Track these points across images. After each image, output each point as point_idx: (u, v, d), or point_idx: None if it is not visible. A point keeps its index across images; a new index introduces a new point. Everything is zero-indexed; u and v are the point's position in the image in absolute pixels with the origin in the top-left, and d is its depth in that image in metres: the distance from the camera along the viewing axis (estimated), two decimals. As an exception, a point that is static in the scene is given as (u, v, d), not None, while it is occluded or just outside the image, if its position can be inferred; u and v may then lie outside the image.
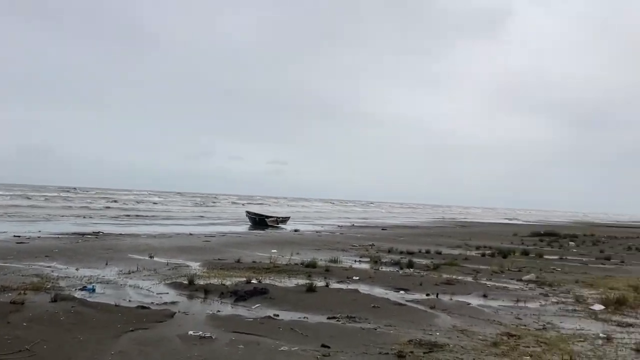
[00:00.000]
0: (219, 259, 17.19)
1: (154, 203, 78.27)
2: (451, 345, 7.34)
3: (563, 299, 11.70)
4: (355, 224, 50.18)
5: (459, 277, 14.47)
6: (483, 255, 21.58)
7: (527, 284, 13.90)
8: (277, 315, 9.18)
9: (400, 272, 15.54)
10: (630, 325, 9.17)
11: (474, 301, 11.17)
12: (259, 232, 33.95)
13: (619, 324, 9.18)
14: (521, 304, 10.96)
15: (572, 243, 31.87)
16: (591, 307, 10.63)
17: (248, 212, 47.83)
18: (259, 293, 11.09)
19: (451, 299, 11.25)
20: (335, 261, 17.21)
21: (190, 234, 28.89)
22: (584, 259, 21.90)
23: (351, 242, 26.67)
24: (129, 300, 10.02)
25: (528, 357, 6.84)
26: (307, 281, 12.62)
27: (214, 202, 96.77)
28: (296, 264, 16.20)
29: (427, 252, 21.73)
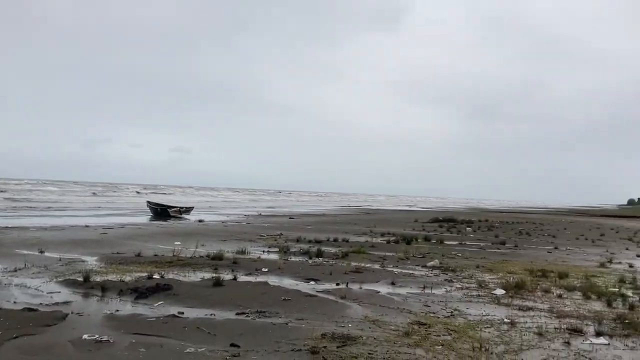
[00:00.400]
0: (117, 253, 16.14)
1: (49, 193, 73.25)
2: (364, 338, 7.20)
3: (467, 285, 12.05)
4: (262, 213, 49.73)
5: (367, 265, 14.56)
6: (388, 242, 22.01)
7: (431, 270, 14.24)
8: (182, 313, 8.62)
9: (310, 261, 15.38)
10: (530, 309, 9.55)
11: (383, 289, 11.20)
12: (161, 223, 32.57)
13: (520, 308, 9.53)
14: (428, 291, 11.13)
15: (469, 228, 33.50)
16: (493, 292, 11.01)
17: (149, 202, 45.88)
18: (161, 289, 10.43)
19: (361, 288, 11.21)
20: (242, 252, 16.74)
21: (87, 226, 27.12)
22: (481, 244, 22.99)
23: (259, 232, 26.24)
24: (14, 302, 9.00)
25: (440, 347, 6.85)
26: (214, 274, 12.11)
27: (115, 192, 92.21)
28: (201, 256, 15.55)
29: (335, 240, 21.81)
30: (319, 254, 16.50)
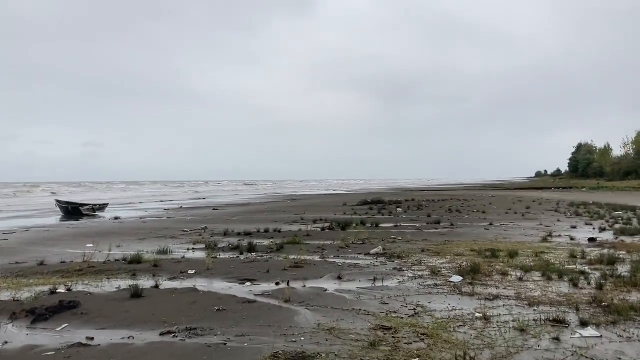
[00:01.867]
0: (16, 263, 13.88)
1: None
2: (323, 355, 5.86)
3: (419, 273, 11.00)
4: (183, 206, 47.19)
5: (307, 258, 13.22)
6: (323, 229, 20.79)
7: (376, 258, 13.14)
8: (92, 339, 6.90)
9: (242, 257, 13.86)
10: (497, 297, 8.58)
11: (330, 286, 9.91)
12: (73, 224, 29.67)
13: (486, 298, 8.53)
14: (380, 284, 9.95)
15: (400, 209, 33.03)
16: (450, 280, 10.02)
17: (58, 202, 42.21)
18: (67, 307, 8.57)
19: (305, 286, 9.86)
20: (164, 252, 14.94)
21: (-18, 233, 24.00)
22: (417, 225, 22.32)
23: (181, 227, 24.26)
24: None
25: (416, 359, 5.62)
26: (132, 282, 10.38)
27: (18, 192, 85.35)
28: (117, 260, 13.61)
29: (266, 231, 20.33)
30: (251, 248, 15.00)
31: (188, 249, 16.00)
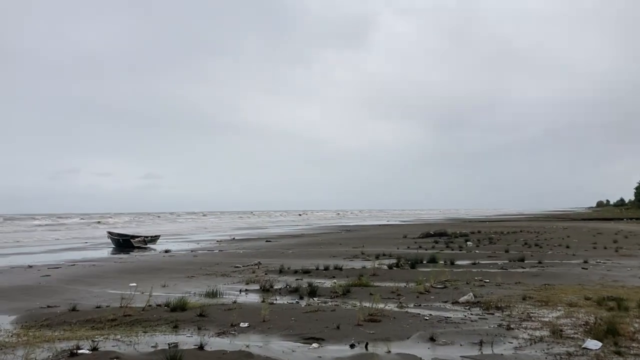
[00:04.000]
0: (48, 307, 12.19)
1: (12, 226, 67.76)
2: None
3: (535, 333, 8.44)
4: (236, 237, 45.67)
5: (381, 306, 10.83)
6: (390, 267, 18.33)
7: (469, 309, 10.64)
8: None
9: (303, 304, 11.66)
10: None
11: (423, 352, 7.53)
12: (122, 257, 28.36)
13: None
14: (489, 350, 7.51)
15: (470, 243, 30.10)
16: (585, 347, 7.45)
17: (110, 233, 41.47)
18: (84, 380, 6.61)
19: (390, 352, 7.53)
20: (214, 295, 12.94)
21: (29, 266, 22.88)
22: (498, 263, 19.54)
23: (233, 262, 22.37)
24: None
25: None
26: (172, 338, 8.38)
27: (76, 224, 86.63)
28: (159, 305, 11.68)
29: (326, 268, 18.08)
30: (313, 291, 12.79)
31: (240, 291, 13.96)
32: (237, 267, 20.32)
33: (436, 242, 31.25)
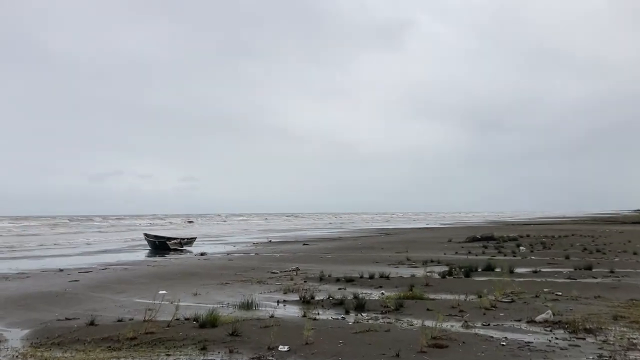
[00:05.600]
0: (66, 319, 11.01)
1: (56, 227, 68.52)
2: None
3: (651, 368, 6.70)
4: (272, 240, 44.48)
5: (444, 325, 9.17)
6: (443, 276, 16.56)
7: (551, 330, 8.88)
8: None
9: (350, 320, 10.10)
10: None
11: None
12: (156, 260, 27.39)
13: None
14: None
15: (523, 248, 27.95)
16: None
17: (147, 235, 40.77)
18: None
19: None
20: (248, 306, 11.52)
21: (60, 270, 22.08)
22: (563, 271, 17.51)
23: (270, 267, 21.01)
24: None
25: None
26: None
27: (115, 225, 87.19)
28: (187, 319, 10.31)
29: (371, 277, 16.45)
30: (360, 304, 11.20)
31: (278, 302, 12.51)
32: (274, 272, 18.94)
33: (485, 247, 29.18)
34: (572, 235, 41.64)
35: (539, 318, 9.58)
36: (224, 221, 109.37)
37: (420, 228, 71.07)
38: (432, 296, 12.63)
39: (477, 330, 9.00)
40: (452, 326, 9.29)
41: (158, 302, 12.04)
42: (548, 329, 8.98)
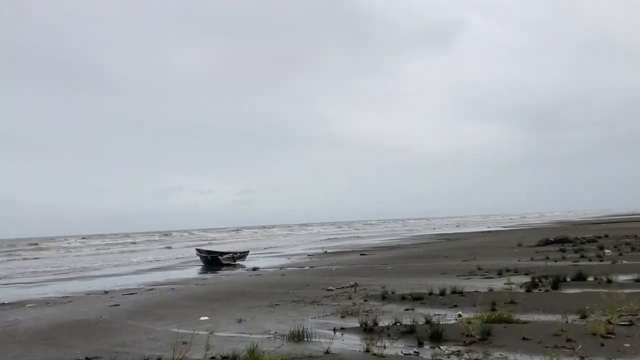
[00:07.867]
0: (86, 358, 9.38)
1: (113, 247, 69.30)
2: None
3: None
4: (327, 250, 42.65)
5: (552, 364, 6.92)
6: (528, 289, 14.07)
7: None
8: None
9: (426, 357, 7.99)
10: None
11: None
12: (205, 278, 26.01)
13: None
14: None
15: (608, 251, 24.82)
16: None
17: (199, 251, 39.82)
18: None
19: None
20: (299, 337, 9.59)
21: (105, 292, 21.03)
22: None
23: (325, 282, 19.07)
24: None
25: None
26: None
27: (170, 240, 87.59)
28: (224, 358, 8.47)
29: (442, 293, 14.16)
30: (436, 333, 9.04)
31: (335, 330, 10.50)
32: (329, 290, 16.98)
33: (563, 251, 26.17)
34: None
35: (683, 351, 7.16)
36: (281, 233, 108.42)
37: (482, 232, 67.39)
38: (522, 317, 10.32)
39: (602, 372, 6.70)
40: (565, 365, 7.02)
41: (197, 331, 10.37)
42: None
